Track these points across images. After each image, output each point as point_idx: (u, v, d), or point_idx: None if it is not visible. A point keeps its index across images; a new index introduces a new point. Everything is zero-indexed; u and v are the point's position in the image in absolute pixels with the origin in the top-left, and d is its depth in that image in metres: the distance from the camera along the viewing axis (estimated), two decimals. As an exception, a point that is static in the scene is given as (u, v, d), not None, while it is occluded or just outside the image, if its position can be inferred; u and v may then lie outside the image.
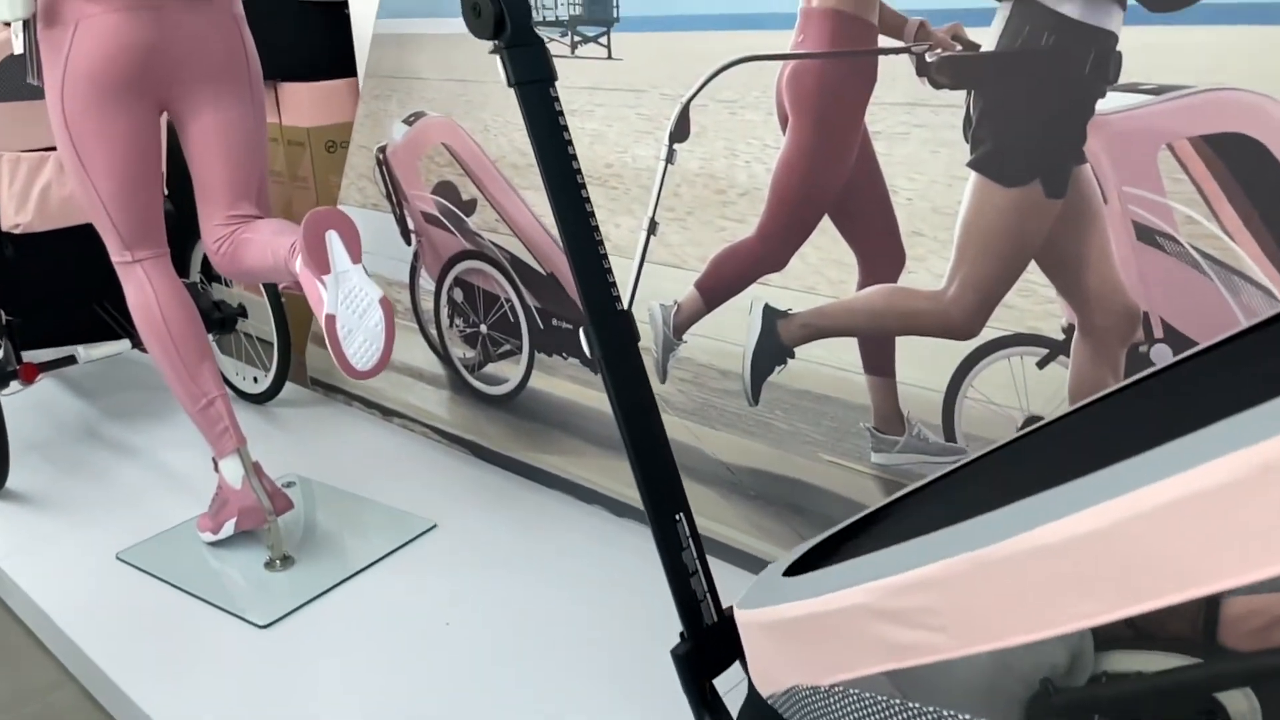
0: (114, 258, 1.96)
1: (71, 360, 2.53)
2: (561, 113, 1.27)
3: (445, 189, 2.32)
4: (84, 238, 2.37)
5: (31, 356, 2.52)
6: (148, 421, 2.71)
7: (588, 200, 1.30)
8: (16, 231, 2.35)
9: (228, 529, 2.03)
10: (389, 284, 2.52)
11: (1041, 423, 0.99)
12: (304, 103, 3.00)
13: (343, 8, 3.06)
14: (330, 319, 1.60)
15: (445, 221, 2.33)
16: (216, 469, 2.02)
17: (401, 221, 2.45)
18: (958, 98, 1.44)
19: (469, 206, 2.27)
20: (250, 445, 2.01)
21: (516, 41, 1.23)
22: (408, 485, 2.28)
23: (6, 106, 2.22)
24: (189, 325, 1.96)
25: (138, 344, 2.61)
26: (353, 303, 1.63)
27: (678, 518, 1.24)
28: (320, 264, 1.61)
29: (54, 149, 2.31)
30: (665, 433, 1.17)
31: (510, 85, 1.25)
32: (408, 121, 2.37)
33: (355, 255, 1.64)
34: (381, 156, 2.45)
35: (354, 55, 3.00)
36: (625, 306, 1.24)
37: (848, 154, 1.58)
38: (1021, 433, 0.99)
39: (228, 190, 1.93)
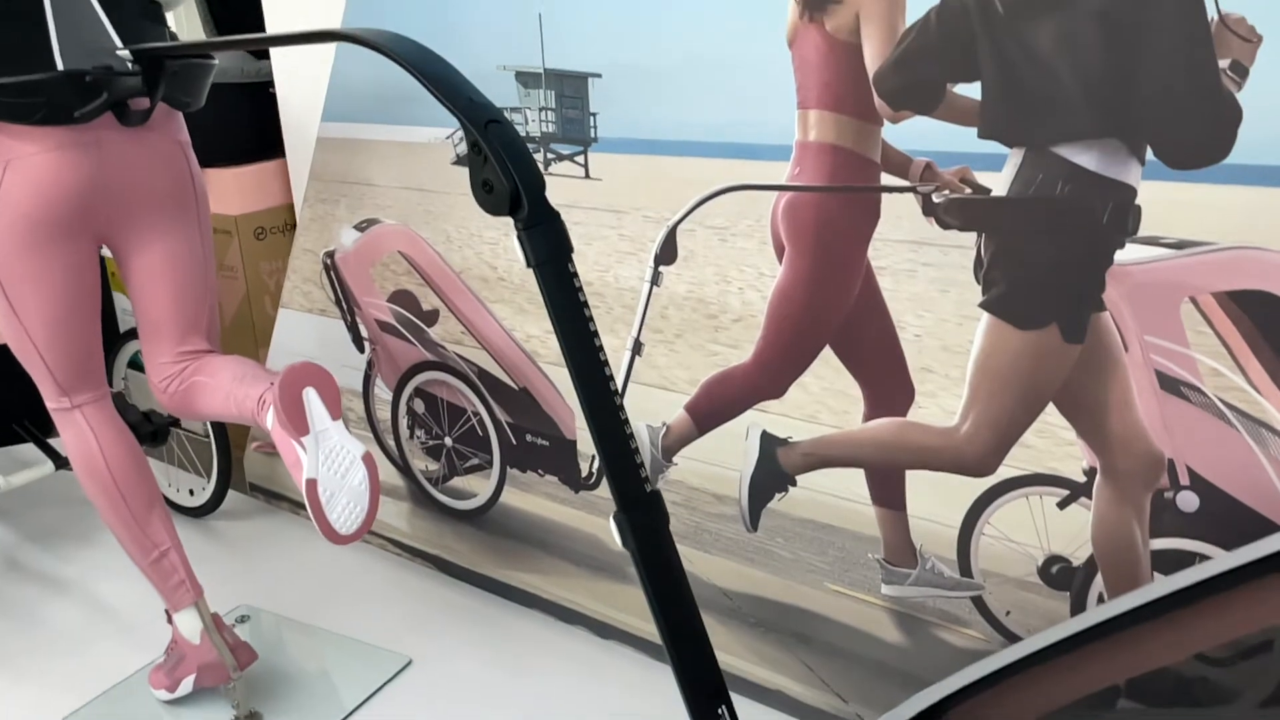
0: (49, 404, 1.79)
1: (-10, 490, 2.33)
2: (581, 288, 1.20)
3: (403, 298, 2.20)
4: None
5: (-57, 489, 2.30)
6: (77, 546, 2.51)
7: (611, 379, 1.23)
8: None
9: (185, 686, 1.87)
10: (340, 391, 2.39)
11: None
12: (230, 189, 2.83)
13: (267, 88, 2.91)
14: (311, 484, 1.49)
15: (404, 331, 2.22)
16: (170, 620, 1.86)
17: (353, 328, 2.32)
18: (967, 239, 1.42)
19: (430, 317, 2.17)
20: (192, 568, 1.84)
21: (535, 220, 1.15)
22: (373, 610, 2.15)
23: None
24: (136, 473, 1.81)
25: (61, 465, 2.41)
26: (334, 463, 1.51)
27: (720, 711, 1.18)
28: (299, 425, 1.49)
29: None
30: (703, 622, 1.11)
31: (529, 266, 1.17)
32: (359, 228, 2.25)
33: (335, 411, 1.53)
34: (330, 261, 2.32)
35: (281, 137, 2.85)
36: (654, 486, 1.17)
37: (849, 287, 1.54)
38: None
39: (176, 326, 1.79)
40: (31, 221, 1.59)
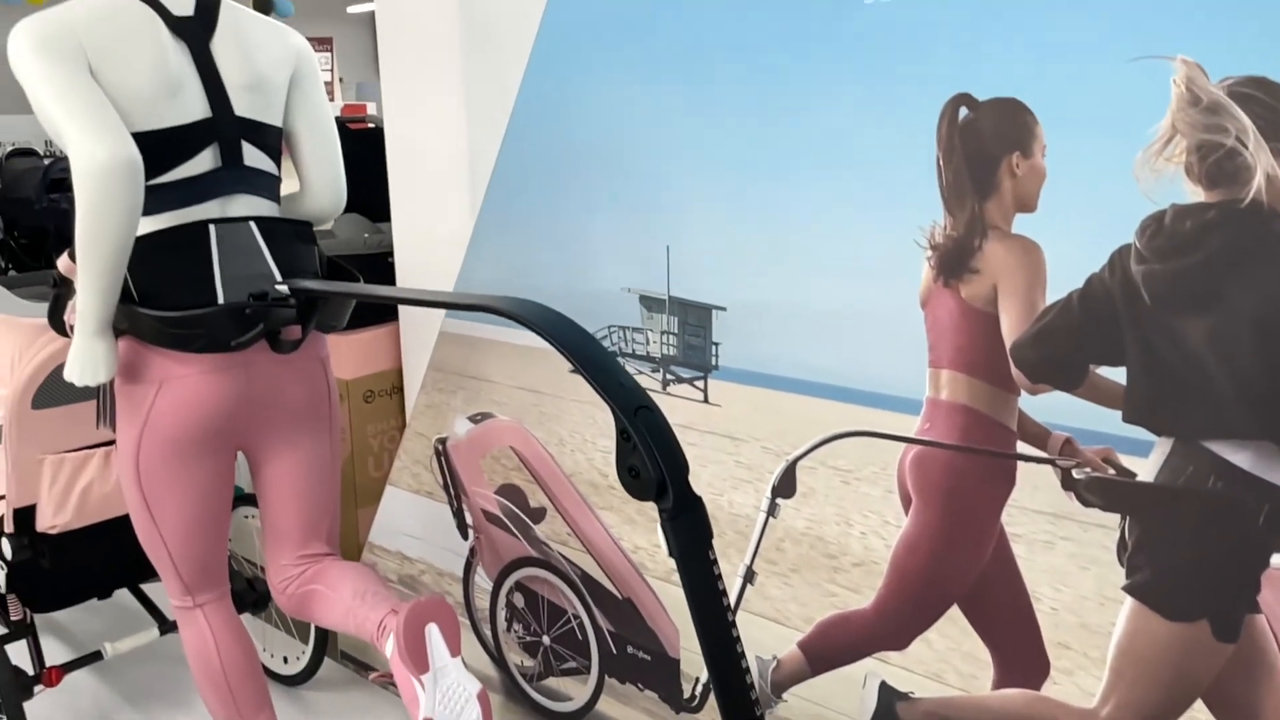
0: (172, 601, 1.83)
1: (98, 656, 2.37)
2: (720, 576, 1.20)
3: (511, 492, 2.23)
4: (117, 527, 2.24)
5: (55, 657, 2.36)
6: (174, 711, 2.53)
7: (743, 655, 1.22)
8: (53, 532, 2.21)
9: None
10: (440, 574, 2.41)
11: None
12: (345, 354, 2.92)
13: (386, 258, 3.03)
14: (427, 723, 1.48)
15: (509, 524, 2.23)
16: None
17: (459, 515, 2.35)
18: (1109, 518, 1.39)
19: (537, 514, 2.18)
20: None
21: (679, 510, 1.16)
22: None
23: (53, 411, 2.12)
24: (249, 674, 1.83)
25: (167, 629, 2.46)
26: (450, 701, 1.51)
27: None
28: (419, 662, 1.50)
29: (99, 446, 2.20)
30: None
31: (671, 555, 1.18)
32: (473, 419, 2.30)
33: (455, 648, 1.54)
34: (442, 448, 2.37)
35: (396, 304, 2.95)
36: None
37: (980, 550, 1.51)
38: None
39: (300, 531, 1.83)
40: (179, 437, 1.66)
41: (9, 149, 10.23)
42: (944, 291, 1.50)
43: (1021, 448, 1.46)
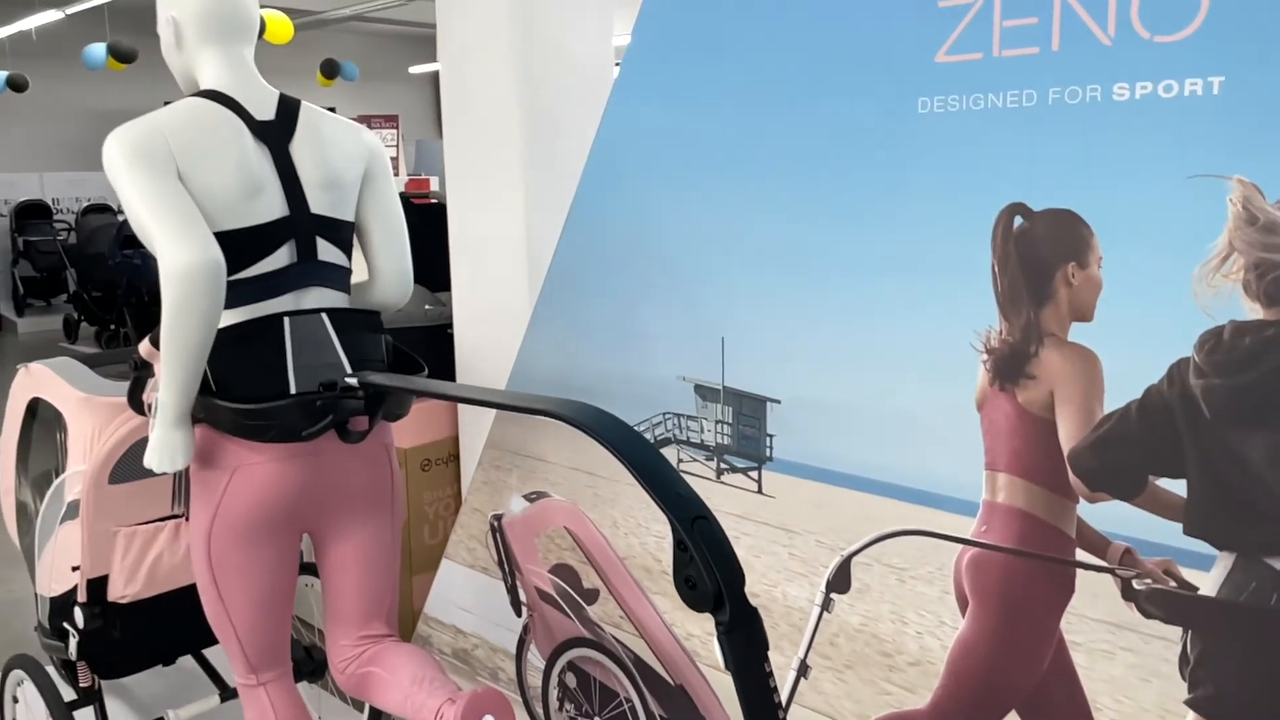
0: (237, 678, 1.88)
1: (161, 723, 2.42)
2: (776, 689, 1.20)
3: (565, 572, 2.25)
4: (183, 596, 2.31)
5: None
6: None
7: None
8: (123, 601, 2.28)
9: None
10: (493, 650, 2.43)
11: None
12: (403, 424, 2.97)
13: (445, 329, 3.11)
14: (480, 816, 1.50)
15: (563, 604, 2.25)
16: None
17: (513, 591, 2.38)
18: (1171, 631, 1.37)
19: (590, 595, 2.20)
20: None
21: (736, 623, 1.18)
22: None
23: (127, 486, 2.20)
24: (309, 754, 1.86)
25: (228, 696, 2.51)
26: (505, 791, 1.53)
27: None
28: (475, 753, 1.52)
29: (169, 518, 2.28)
30: None
31: (727, 669, 1.19)
32: (529, 498, 2.34)
33: (511, 741, 1.55)
34: (497, 525, 2.40)
35: (455, 374, 3.02)
36: None
37: (1038, 656, 1.50)
38: None
39: (360, 612, 1.87)
40: (250, 521, 1.71)
41: (84, 205, 10.69)
42: (1000, 395, 1.51)
43: (1081, 555, 1.46)
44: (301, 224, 1.76)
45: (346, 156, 1.83)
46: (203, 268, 1.54)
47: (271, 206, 1.72)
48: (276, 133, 1.75)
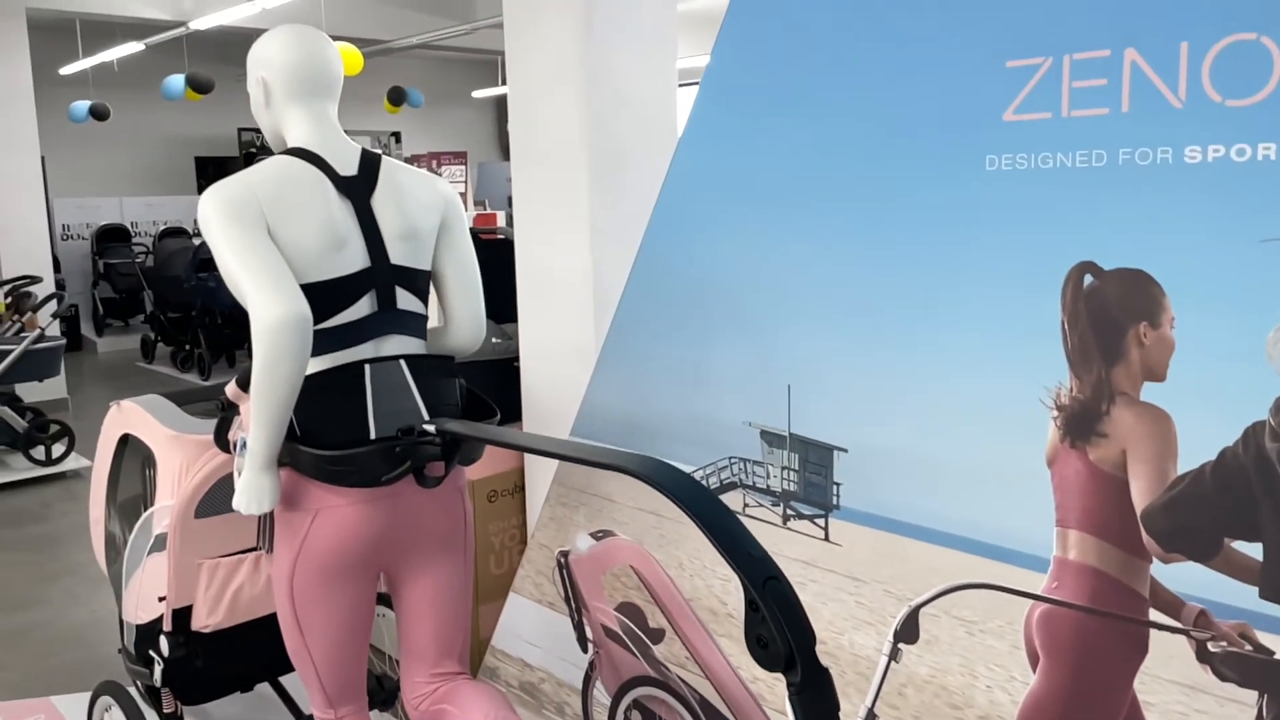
0: (316, 713, 1.94)
1: (239, 753, 2.51)
2: (848, 749, 1.22)
3: (631, 610, 2.29)
4: (262, 626, 2.39)
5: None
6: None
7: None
8: (205, 631, 2.37)
9: None
10: (559, 684, 2.47)
11: None
12: (474, 457, 3.06)
13: (512, 362, 3.17)
14: None
15: (628, 642, 2.29)
16: None
17: (579, 628, 2.42)
18: (1247, 695, 1.36)
19: (656, 635, 2.23)
20: None
21: (807, 683, 1.20)
22: None
23: (212, 521, 2.29)
24: (384, 789, 1.91)
25: (302, 723, 2.59)
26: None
27: None
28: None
29: (249, 551, 2.36)
30: None
31: (796, 734, 1.21)
32: (595, 536, 2.38)
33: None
34: (564, 561, 2.45)
35: (521, 406, 3.08)
36: None
37: (1111, 716, 1.49)
38: None
39: (434, 651, 1.93)
40: (330, 562, 1.78)
41: (161, 228, 11.08)
42: (1071, 452, 1.51)
43: (1155, 616, 1.45)
44: (382, 274, 1.83)
45: (424, 207, 1.90)
46: (292, 322, 1.61)
47: (354, 259, 1.79)
48: (359, 187, 1.82)
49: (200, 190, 12.05)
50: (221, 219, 1.69)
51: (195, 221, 11.40)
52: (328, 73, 1.86)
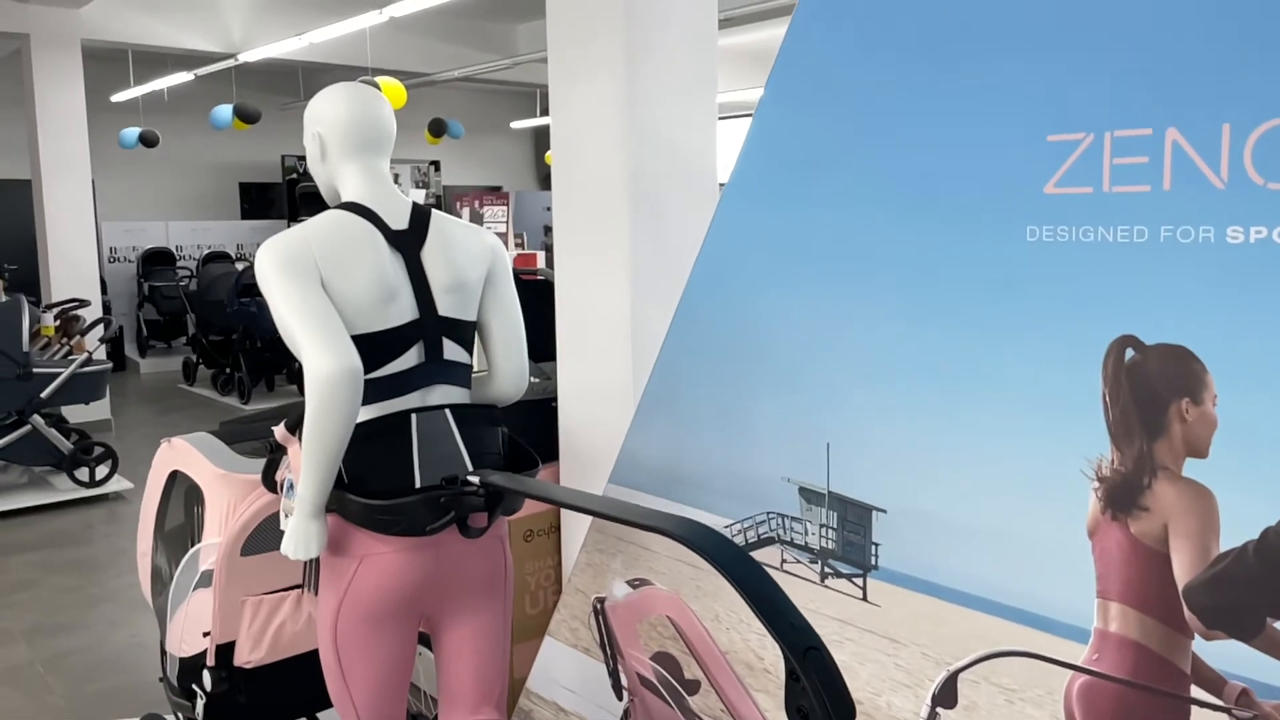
0: (356, 753, 1.97)
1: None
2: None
3: (666, 660, 2.30)
4: (302, 662, 2.43)
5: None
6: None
7: None
8: (247, 667, 2.42)
9: None
10: (597, 744, 2.48)
11: None
12: (508, 496, 3.09)
13: (549, 403, 3.21)
14: None
15: (664, 692, 2.30)
16: None
17: (614, 675, 2.43)
18: (1292, 778, 1.35)
19: (691, 686, 2.24)
20: None
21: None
22: None
23: (257, 558, 2.34)
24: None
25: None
26: None
27: None
28: None
29: (292, 588, 2.41)
30: None
31: (838, 800, 1.22)
32: (631, 584, 2.40)
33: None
34: (600, 607, 2.47)
35: (558, 446, 3.11)
36: None
37: (1151, 790, 1.48)
38: None
39: (473, 696, 1.96)
40: (374, 608, 1.82)
41: (206, 253, 11.31)
42: (1112, 524, 1.51)
43: (1196, 693, 1.44)
44: (430, 326, 1.87)
45: (471, 259, 1.95)
46: (344, 376, 1.66)
47: (404, 311, 1.84)
48: (410, 241, 1.88)
49: (244, 215, 12.33)
50: (278, 274, 1.74)
51: (239, 246, 11.64)
52: (381, 130, 1.91)
